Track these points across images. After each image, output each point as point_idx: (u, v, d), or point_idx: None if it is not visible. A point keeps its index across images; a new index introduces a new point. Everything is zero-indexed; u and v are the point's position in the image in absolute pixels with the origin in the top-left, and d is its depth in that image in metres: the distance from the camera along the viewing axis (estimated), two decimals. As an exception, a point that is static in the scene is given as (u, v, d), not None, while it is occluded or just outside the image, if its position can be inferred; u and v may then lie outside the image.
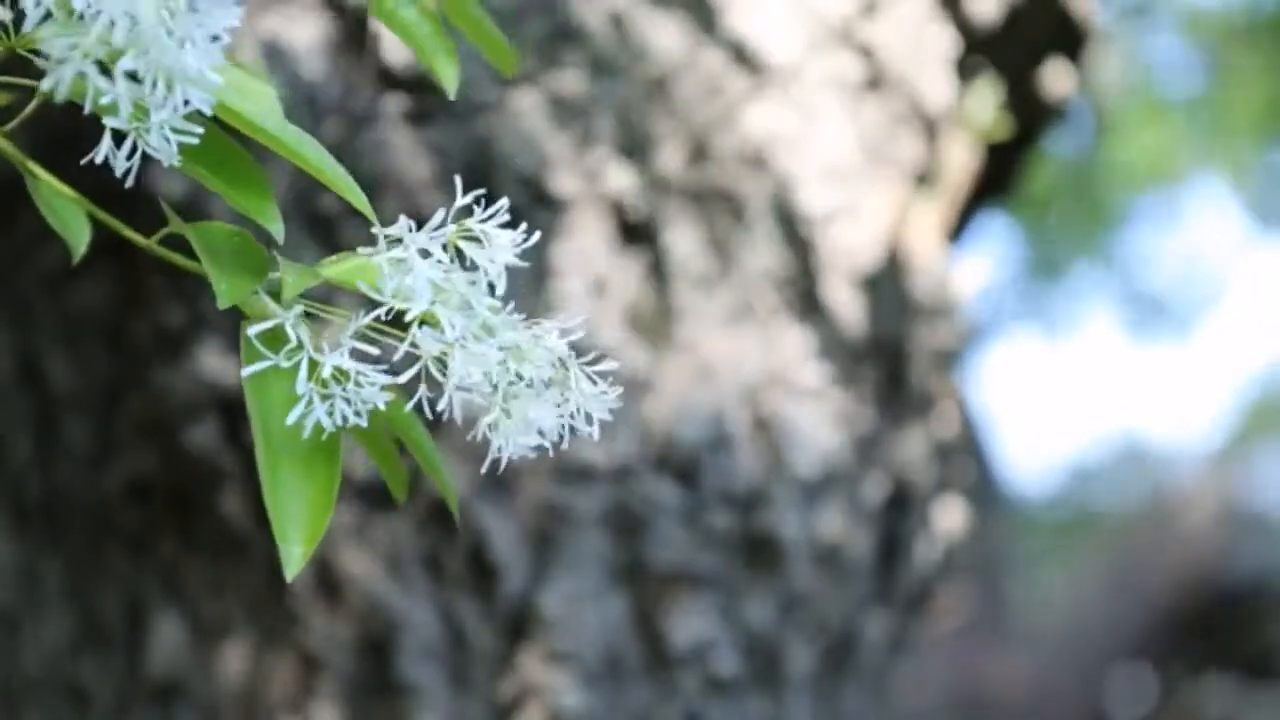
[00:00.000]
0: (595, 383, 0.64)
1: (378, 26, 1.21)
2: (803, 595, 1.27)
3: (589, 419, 0.64)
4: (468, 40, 0.81)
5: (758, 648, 1.26)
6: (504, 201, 0.62)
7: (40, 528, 1.30)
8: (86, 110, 0.56)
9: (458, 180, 0.62)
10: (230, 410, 1.20)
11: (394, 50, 1.21)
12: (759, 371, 1.25)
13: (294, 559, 0.61)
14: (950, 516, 1.44)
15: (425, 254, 0.60)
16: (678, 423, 1.23)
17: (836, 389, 1.28)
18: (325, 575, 1.21)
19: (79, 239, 0.62)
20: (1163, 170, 4.75)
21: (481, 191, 0.63)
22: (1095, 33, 1.52)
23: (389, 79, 1.21)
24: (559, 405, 0.63)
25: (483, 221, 0.62)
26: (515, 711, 1.20)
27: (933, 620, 1.59)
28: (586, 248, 1.23)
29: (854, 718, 1.35)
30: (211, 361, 1.20)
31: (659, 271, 1.25)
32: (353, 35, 1.21)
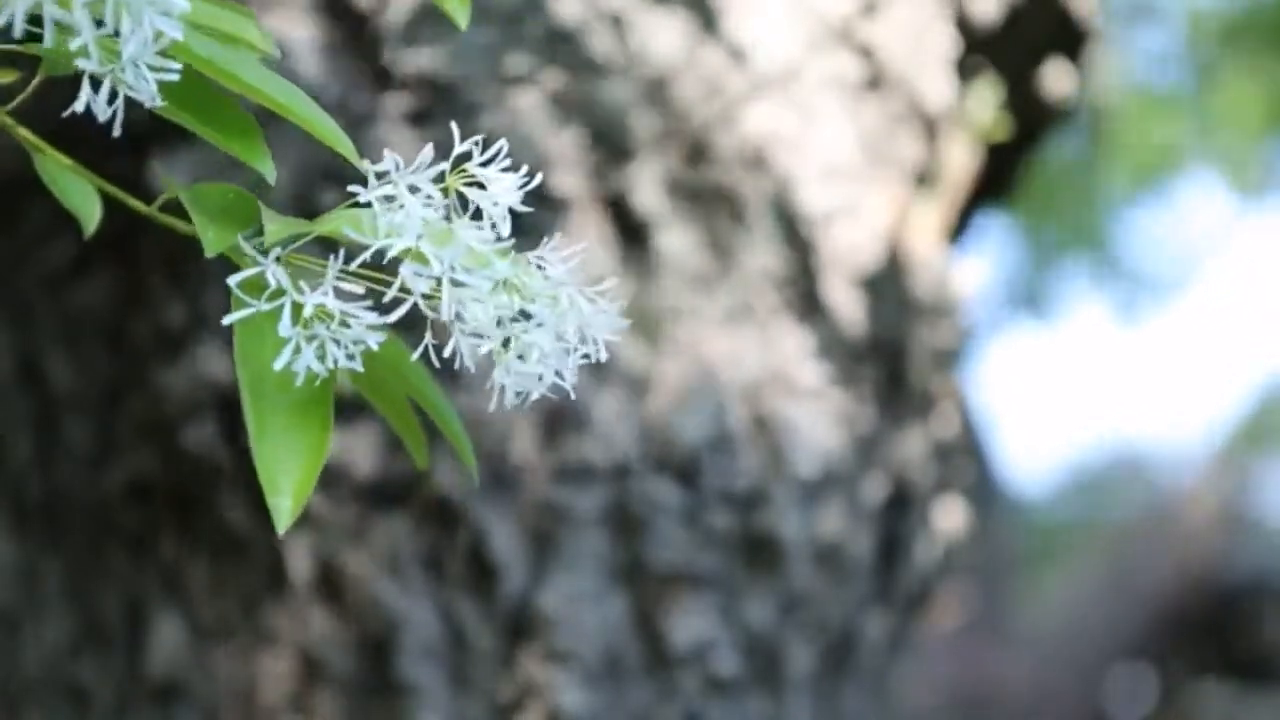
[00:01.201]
0: (594, 302, 0.61)
1: (378, 26, 1.21)
2: (803, 595, 1.27)
3: (595, 342, 0.62)
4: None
5: (758, 648, 1.26)
6: (503, 142, 0.61)
7: (40, 528, 1.30)
8: (47, 42, 0.54)
9: (454, 127, 0.61)
10: (230, 410, 1.21)
11: (394, 50, 1.21)
12: (759, 371, 1.25)
13: (283, 512, 0.59)
14: (950, 516, 1.44)
15: (414, 190, 0.58)
16: (678, 423, 1.23)
17: (836, 389, 1.28)
18: (325, 575, 1.21)
19: (89, 215, 0.61)
20: (1160, 167, 4.76)
21: (479, 138, 0.61)
22: (1095, 32, 1.52)
23: (389, 79, 1.21)
24: (561, 335, 0.60)
25: (483, 165, 0.60)
26: (515, 711, 1.20)
27: (933, 620, 1.59)
28: (587, 248, 1.22)
29: (854, 718, 1.35)
30: (211, 361, 1.20)
31: (659, 271, 1.25)
32: (353, 35, 1.21)
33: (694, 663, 1.23)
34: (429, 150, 0.59)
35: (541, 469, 1.21)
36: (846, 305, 1.29)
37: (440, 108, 1.21)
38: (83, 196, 0.61)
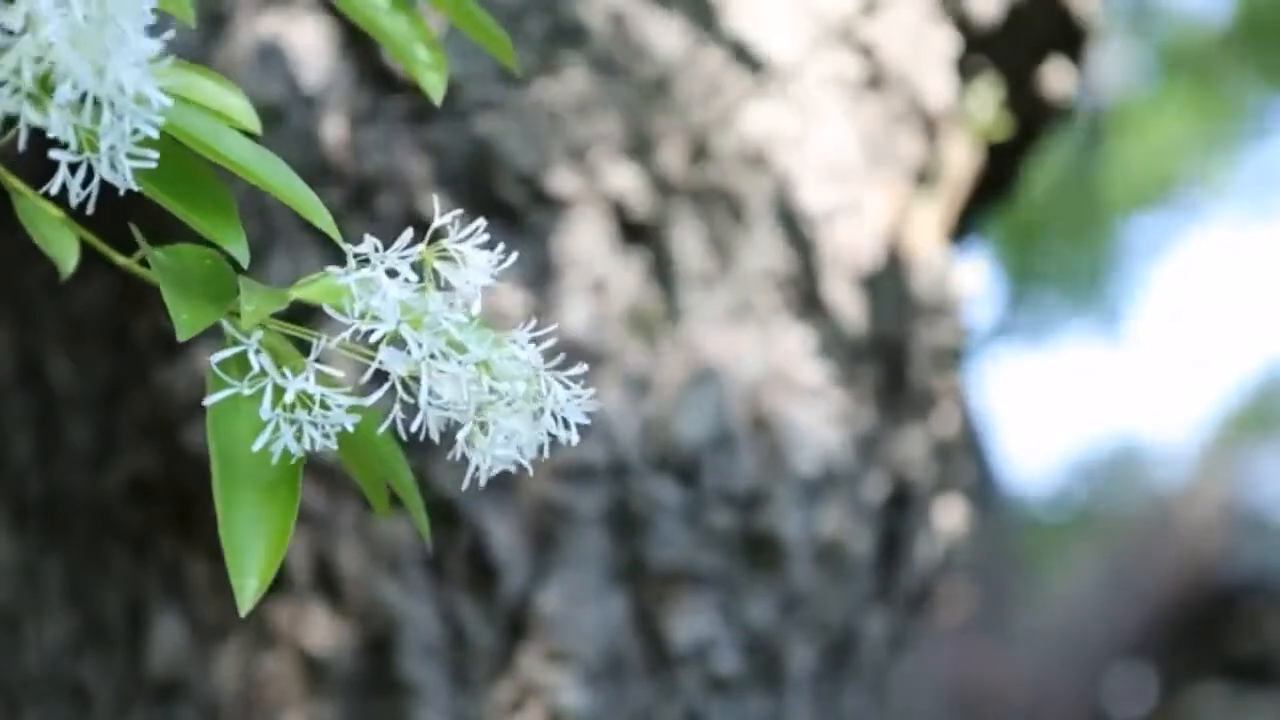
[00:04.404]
0: (569, 387, 0.62)
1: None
2: (803, 594, 1.27)
3: (566, 425, 0.62)
4: (466, 37, 0.80)
5: (758, 647, 1.26)
6: (480, 222, 0.61)
7: (41, 527, 1.30)
8: (21, 147, 0.55)
9: (435, 200, 0.62)
10: (230, 410, 1.20)
11: (394, 50, 1.21)
12: (759, 370, 1.25)
13: (249, 592, 0.59)
14: (951, 515, 1.44)
15: (393, 273, 0.59)
16: (678, 422, 1.23)
17: (837, 388, 1.28)
18: (325, 574, 1.21)
19: (66, 257, 0.61)
20: (1153, 175, 4.76)
21: (459, 211, 0.62)
22: (1096, 32, 1.52)
23: (389, 79, 1.21)
24: (535, 416, 0.62)
25: (459, 242, 0.61)
26: (515, 711, 1.21)
27: (935, 617, 1.59)
28: (586, 247, 1.23)
29: (854, 717, 1.35)
30: (212, 361, 1.20)
31: (659, 271, 1.25)
32: (353, 35, 1.21)
33: (694, 662, 1.23)
34: (409, 233, 0.59)
35: (541, 469, 1.21)
36: (847, 304, 1.29)
37: (440, 108, 1.21)
38: (60, 240, 0.61)
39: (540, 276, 1.21)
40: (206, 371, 0.58)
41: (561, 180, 1.22)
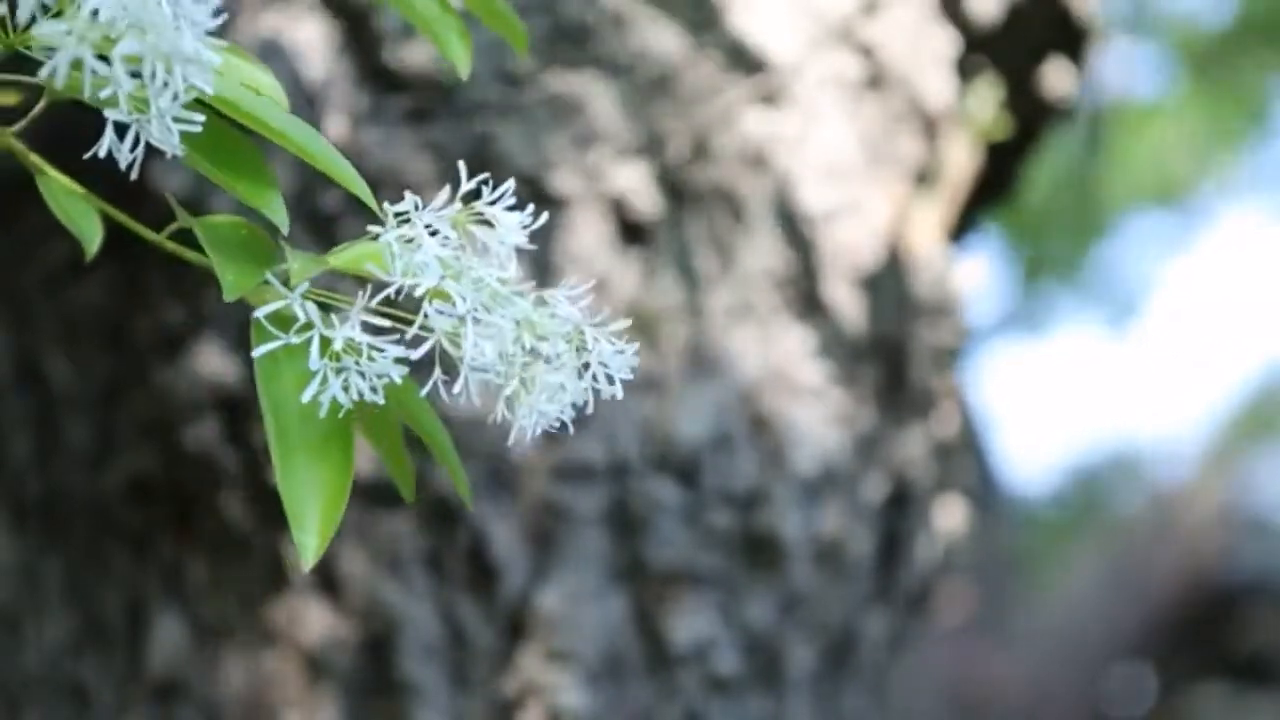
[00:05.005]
0: (612, 343, 0.63)
1: (379, 26, 1.21)
2: (803, 594, 1.27)
3: (611, 380, 0.62)
4: (479, 23, 0.80)
5: (758, 647, 1.26)
6: (510, 183, 0.62)
7: (40, 527, 1.30)
8: (85, 96, 0.55)
9: (462, 166, 0.62)
10: (231, 409, 1.20)
11: (394, 50, 1.21)
12: (759, 370, 1.25)
13: (310, 549, 0.60)
14: (950, 515, 1.44)
15: (432, 231, 0.59)
16: (678, 422, 1.23)
17: (837, 388, 1.28)
18: (325, 574, 1.21)
19: (91, 237, 0.61)
20: (1157, 174, 4.76)
21: (486, 176, 0.63)
22: (1096, 32, 1.52)
23: (389, 78, 1.21)
24: (580, 372, 0.62)
25: (490, 204, 0.61)
26: (515, 711, 1.21)
27: (935, 617, 1.59)
28: (587, 247, 1.23)
29: (854, 717, 1.35)
30: (212, 360, 1.20)
31: (659, 271, 1.25)
32: (353, 35, 1.21)
33: (694, 662, 1.23)
34: (446, 191, 0.60)
35: (541, 469, 1.21)
36: (847, 304, 1.29)
37: (440, 108, 1.21)
38: (84, 218, 0.61)
39: (541, 276, 1.21)
40: (253, 325, 0.59)
41: (562, 180, 1.22)
